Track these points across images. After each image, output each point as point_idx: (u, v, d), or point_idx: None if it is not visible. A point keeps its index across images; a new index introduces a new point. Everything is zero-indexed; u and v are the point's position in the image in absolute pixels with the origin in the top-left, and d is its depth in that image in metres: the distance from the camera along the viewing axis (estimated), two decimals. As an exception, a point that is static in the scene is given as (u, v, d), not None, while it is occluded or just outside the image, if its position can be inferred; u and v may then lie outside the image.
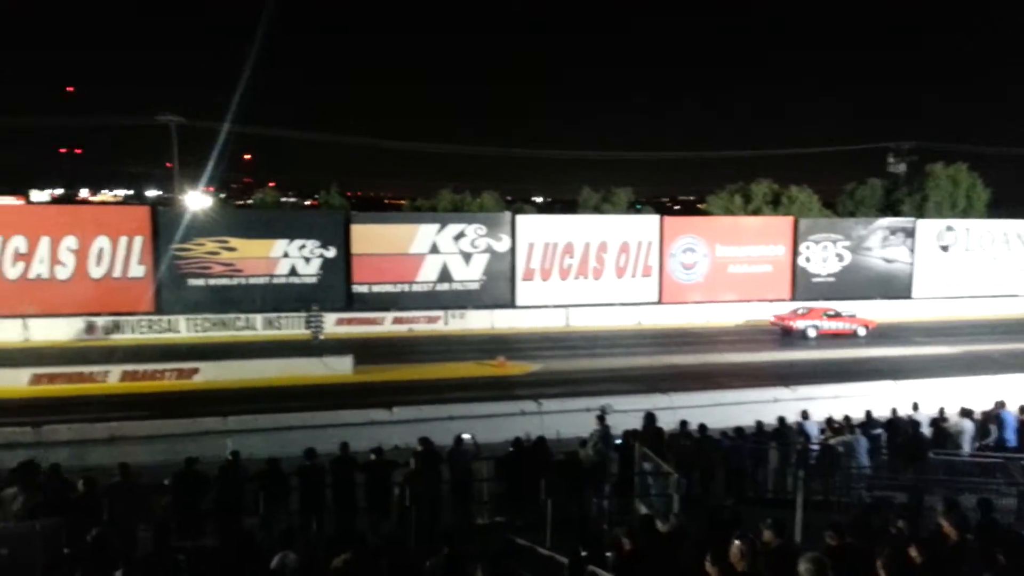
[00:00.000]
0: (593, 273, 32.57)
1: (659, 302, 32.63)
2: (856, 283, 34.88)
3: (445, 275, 30.79)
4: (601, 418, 12.32)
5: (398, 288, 30.38)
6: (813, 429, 13.54)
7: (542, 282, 31.97)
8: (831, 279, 35.04)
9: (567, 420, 15.17)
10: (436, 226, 30.96)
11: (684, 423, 12.52)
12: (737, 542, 4.97)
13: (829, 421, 13.55)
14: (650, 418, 12.24)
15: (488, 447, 12.12)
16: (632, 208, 42.51)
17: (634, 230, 33.30)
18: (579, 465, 11.25)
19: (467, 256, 31.04)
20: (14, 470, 9.31)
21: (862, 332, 28.78)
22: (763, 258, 34.45)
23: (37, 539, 7.24)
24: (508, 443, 11.77)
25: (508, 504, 11.25)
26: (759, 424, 13.52)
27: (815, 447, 12.84)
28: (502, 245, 31.42)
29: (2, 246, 26.19)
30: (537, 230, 32.19)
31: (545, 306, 31.31)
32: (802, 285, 34.64)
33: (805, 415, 13.85)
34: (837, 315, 29.30)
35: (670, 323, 31.56)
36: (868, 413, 13.92)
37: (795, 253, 34.68)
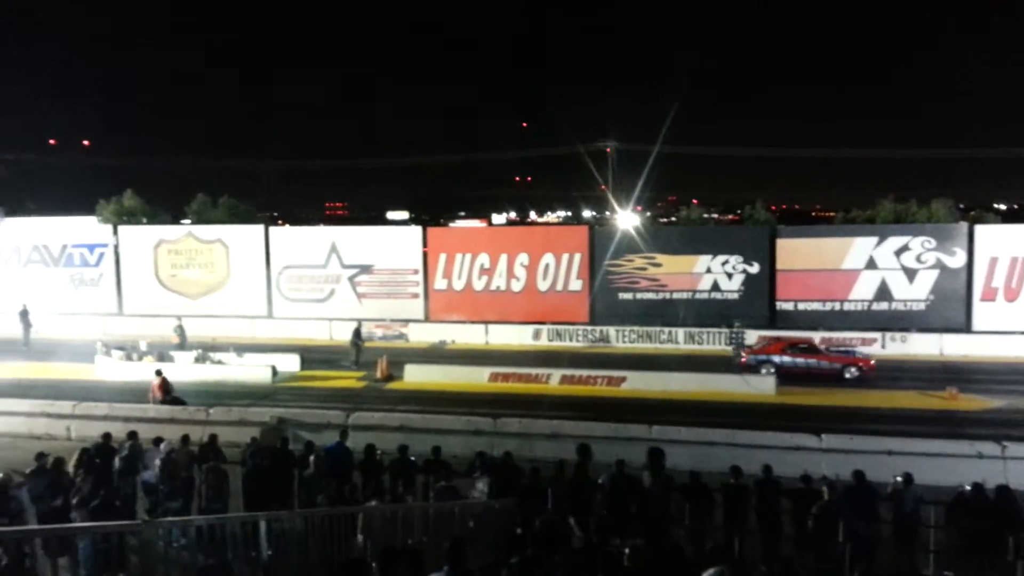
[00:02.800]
0: (1082, 294, 26.60)
1: None
2: None
3: (883, 293, 27.96)
4: (1093, 474, 9.97)
5: (827, 306, 28.48)
6: None
7: (1007, 303, 27.09)
8: None
9: (1043, 470, 12.59)
10: (874, 239, 28.28)
11: None
12: None
13: None
14: None
15: (932, 490, 10.66)
16: None
17: None
18: (1062, 527, 9.23)
19: (911, 272, 27.76)
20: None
21: (851, 373, 22.11)
22: None
23: (497, 516, 8.38)
24: (957, 488, 10.23)
25: (961, 558, 9.73)
26: None
27: None
28: (956, 260, 27.42)
29: (472, 262, 31.09)
30: (1003, 242, 27.36)
31: (1012, 332, 26.45)
32: None
33: None
34: (810, 349, 22.81)
35: None
36: None
37: None
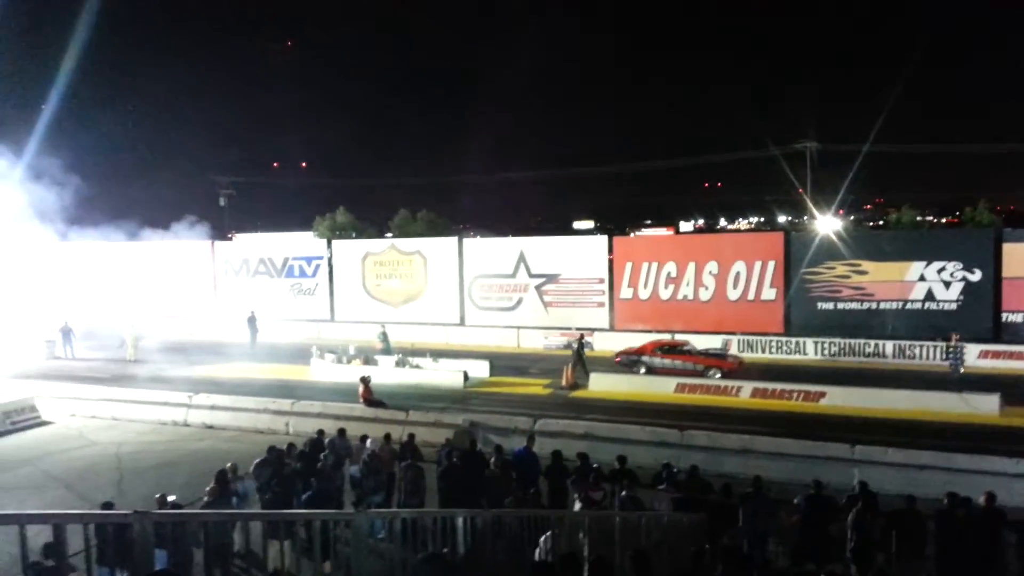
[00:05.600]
0: None
1: None
2: None
3: None
4: None
5: (1066, 318, 25.17)
6: None
7: None
8: None
9: None
10: (1126, 242, 24.62)
11: None
12: None
13: None
14: None
15: None
16: None
17: None
18: None
19: None
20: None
21: (712, 375, 22.73)
22: None
23: (685, 530, 8.23)
24: None
25: None
26: None
27: None
28: None
29: (658, 271, 30.65)
30: None
31: None
32: None
33: None
34: (678, 351, 24.27)
35: None
36: None
37: None
